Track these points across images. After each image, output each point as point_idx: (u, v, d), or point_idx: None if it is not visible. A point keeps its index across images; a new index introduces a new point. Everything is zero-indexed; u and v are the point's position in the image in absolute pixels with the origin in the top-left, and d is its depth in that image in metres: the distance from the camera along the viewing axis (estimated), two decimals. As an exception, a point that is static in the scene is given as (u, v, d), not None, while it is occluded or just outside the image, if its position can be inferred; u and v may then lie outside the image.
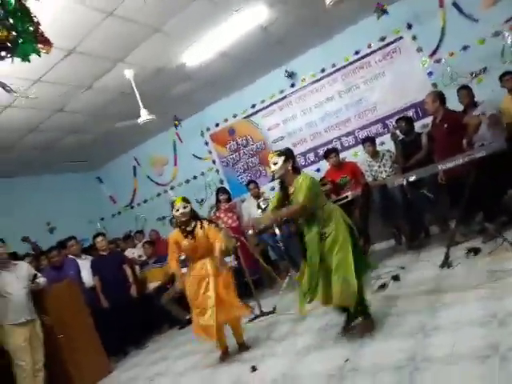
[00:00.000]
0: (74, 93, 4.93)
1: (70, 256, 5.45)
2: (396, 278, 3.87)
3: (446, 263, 3.69)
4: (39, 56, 2.53)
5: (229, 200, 6.18)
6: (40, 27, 2.43)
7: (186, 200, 3.72)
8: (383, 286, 3.76)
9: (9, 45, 2.33)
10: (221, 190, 6.25)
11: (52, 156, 6.69)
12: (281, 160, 2.99)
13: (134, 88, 4.92)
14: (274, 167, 3.03)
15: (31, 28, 2.38)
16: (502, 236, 3.59)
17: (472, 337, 2.28)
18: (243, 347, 3.65)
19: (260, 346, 3.53)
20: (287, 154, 3.06)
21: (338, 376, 2.41)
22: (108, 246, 5.67)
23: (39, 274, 4.31)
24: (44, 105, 4.96)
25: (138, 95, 4.94)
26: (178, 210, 3.63)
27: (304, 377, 2.59)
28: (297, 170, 3.07)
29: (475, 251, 3.74)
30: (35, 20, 2.39)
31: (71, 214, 7.26)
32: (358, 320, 3.04)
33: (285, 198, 3.07)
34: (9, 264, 4.06)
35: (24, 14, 2.34)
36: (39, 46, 2.47)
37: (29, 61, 2.47)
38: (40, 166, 6.95)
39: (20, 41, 2.37)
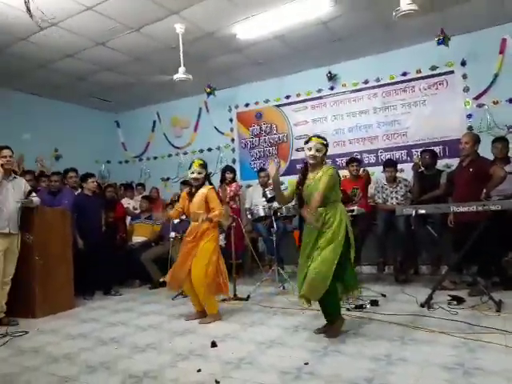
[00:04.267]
0: (120, 31, 4.89)
1: (68, 187, 5.47)
2: (375, 302, 3.85)
3: (427, 304, 3.66)
4: None
5: (234, 180, 6.18)
6: None
7: (202, 165, 3.80)
8: (360, 307, 3.75)
9: None
10: (228, 169, 6.25)
11: (80, 86, 6.67)
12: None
13: (180, 44, 4.89)
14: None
15: None
16: (489, 294, 3.54)
17: (436, 377, 2.25)
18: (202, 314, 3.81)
19: (226, 327, 3.52)
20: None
21: (293, 375, 2.40)
22: (97, 189, 5.48)
23: (34, 194, 4.32)
24: (88, 34, 4.94)
25: (181, 52, 4.90)
26: (192, 173, 3.77)
27: (259, 367, 2.57)
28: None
29: (458, 300, 3.71)
30: None
31: (81, 149, 7.27)
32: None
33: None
34: (10, 175, 4.08)
35: None
36: None
37: None
38: (66, 94, 6.95)
39: None
